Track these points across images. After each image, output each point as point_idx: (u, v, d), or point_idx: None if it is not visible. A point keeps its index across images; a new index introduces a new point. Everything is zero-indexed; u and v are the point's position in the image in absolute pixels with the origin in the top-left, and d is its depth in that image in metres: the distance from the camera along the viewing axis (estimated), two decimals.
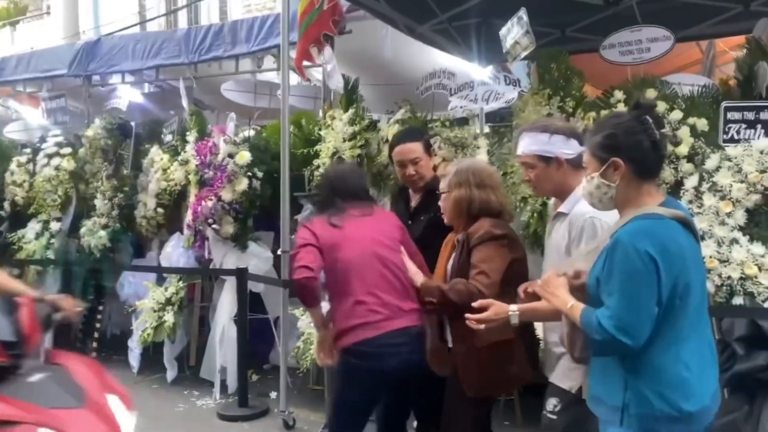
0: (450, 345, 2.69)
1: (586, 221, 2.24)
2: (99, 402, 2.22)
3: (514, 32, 3.73)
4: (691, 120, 3.38)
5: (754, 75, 3.32)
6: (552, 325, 2.31)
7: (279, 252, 4.33)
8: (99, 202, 5.66)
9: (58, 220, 6.01)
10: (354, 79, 4.55)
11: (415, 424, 3.22)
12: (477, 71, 5.24)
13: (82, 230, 5.72)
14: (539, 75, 3.90)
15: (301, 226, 3.05)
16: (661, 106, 3.49)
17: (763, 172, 3.08)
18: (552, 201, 2.65)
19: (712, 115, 3.39)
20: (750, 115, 3.20)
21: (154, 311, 5.03)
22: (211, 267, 5.00)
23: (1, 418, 1.91)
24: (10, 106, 8.17)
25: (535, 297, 2.06)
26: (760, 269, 2.99)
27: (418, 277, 2.74)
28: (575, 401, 2.22)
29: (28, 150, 6.42)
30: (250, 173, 4.69)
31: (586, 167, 1.96)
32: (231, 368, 4.79)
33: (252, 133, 5.01)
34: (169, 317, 4.97)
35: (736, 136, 3.22)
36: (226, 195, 4.67)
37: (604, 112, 3.57)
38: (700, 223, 3.09)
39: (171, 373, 5.16)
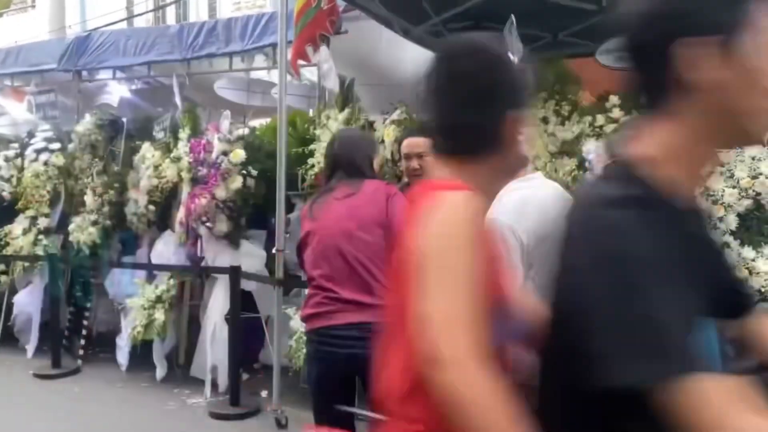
0: None
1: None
2: None
3: (506, 39, 3.78)
4: None
5: None
6: None
7: (273, 251, 4.33)
8: (89, 199, 5.62)
9: (46, 216, 5.97)
10: (350, 79, 4.57)
11: None
12: None
13: (71, 226, 5.68)
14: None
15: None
16: None
17: (754, 177, 3.15)
18: None
19: None
20: None
21: (145, 309, 5.00)
22: (203, 265, 4.99)
23: None
24: None
25: None
26: (750, 273, 3.06)
27: None
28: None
29: (15, 145, 6.36)
30: (244, 171, 4.70)
31: None
32: (222, 367, 4.77)
33: (247, 131, 5.00)
34: (159, 315, 4.94)
35: None
36: (220, 193, 4.67)
37: (600, 117, 3.62)
38: None
39: (161, 372, 5.13)
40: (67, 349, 5.71)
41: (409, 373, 1.11)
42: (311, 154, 4.47)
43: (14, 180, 6.13)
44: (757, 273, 3.05)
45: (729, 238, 3.15)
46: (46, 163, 5.94)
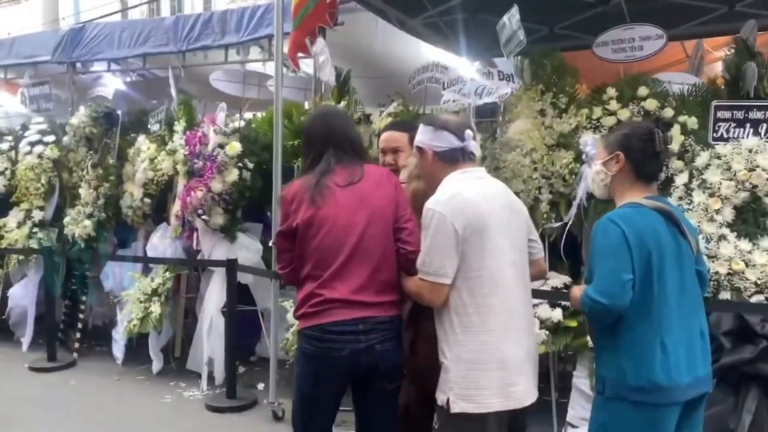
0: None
1: (426, 212, 2.19)
2: None
3: (507, 29, 3.77)
4: (681, 118, 3.45)
5: (742, 75, 3.40)
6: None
7: (270, 243, 4.32)
8: (84, 192, 5.60)
9: (41, 209, 5.94)
10: (346, 71, 4.55)
11: None
12: (465, 66, 5.27)
13: (66, 219, 5.66)
14: (532, 71, 3.94)
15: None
16: (653, 104, 3.55)
17: (751, 170, 3.16)
18: None
19: (701, 113, 3.46)
20: (739, 114, 3.29)
21: (140, 302, 4.99)
22: (199, 258, 4.98)
23: None
24: None
25: None
26: (747, 265, 3.07)
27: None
28: (446, 417, 2.15)
29: (9, 137, 6.32)
30: (240, 164, 4.68)
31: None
32: (218, 360, 4.77)
33: (242, 123, 4.98)
34: (155, 308, 4.93)
35: (725, 135, 3.30)
36: (216, 185, 4.65)
37: (596, 109, 3.62)
38: (689, 219, 3.16)
39: (157, 365, 5.12)
40: (62, 343, 5.70)
41: None
42: None
43: (8, 173, 6.10)
44: (754, 265, 3.06)
45: (725, 230, 3.16)
46: (40, 156, 5.92)
